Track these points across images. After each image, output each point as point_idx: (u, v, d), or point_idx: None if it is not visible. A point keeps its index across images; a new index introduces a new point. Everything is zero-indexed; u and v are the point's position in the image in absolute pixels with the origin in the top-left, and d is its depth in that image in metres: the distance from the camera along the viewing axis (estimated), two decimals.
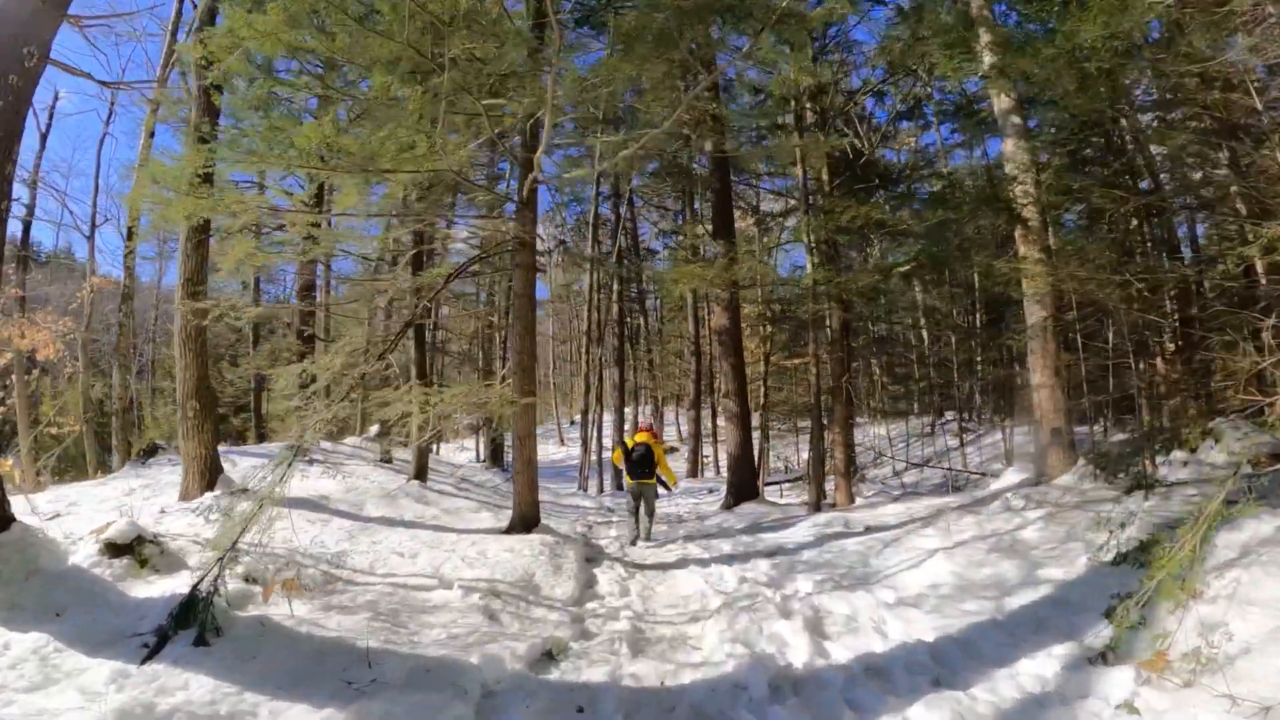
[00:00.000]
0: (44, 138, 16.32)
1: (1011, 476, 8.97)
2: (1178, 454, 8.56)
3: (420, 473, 8.55)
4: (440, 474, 11.83)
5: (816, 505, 9.10)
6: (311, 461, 10.21)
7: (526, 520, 6.33)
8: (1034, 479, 8.32)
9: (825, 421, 12.75)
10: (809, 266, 9.26)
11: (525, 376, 6.34)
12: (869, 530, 7.20)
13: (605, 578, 5.62)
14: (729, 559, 6.43)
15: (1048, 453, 8.26)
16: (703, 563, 6.29)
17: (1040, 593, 5.02)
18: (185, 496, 8.19)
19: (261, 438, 15.22)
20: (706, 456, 20.43)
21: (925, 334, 18.53)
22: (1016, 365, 14.86)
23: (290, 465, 4.68)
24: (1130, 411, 10.99)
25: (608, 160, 6.71)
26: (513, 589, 4.83)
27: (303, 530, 6.39)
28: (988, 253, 8.18)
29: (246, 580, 4.93)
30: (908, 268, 7.67)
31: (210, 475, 8.00)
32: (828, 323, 10.06)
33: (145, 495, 8.65)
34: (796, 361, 13.59)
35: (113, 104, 15.46)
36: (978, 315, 17.17)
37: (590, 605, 4.90)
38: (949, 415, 17.59)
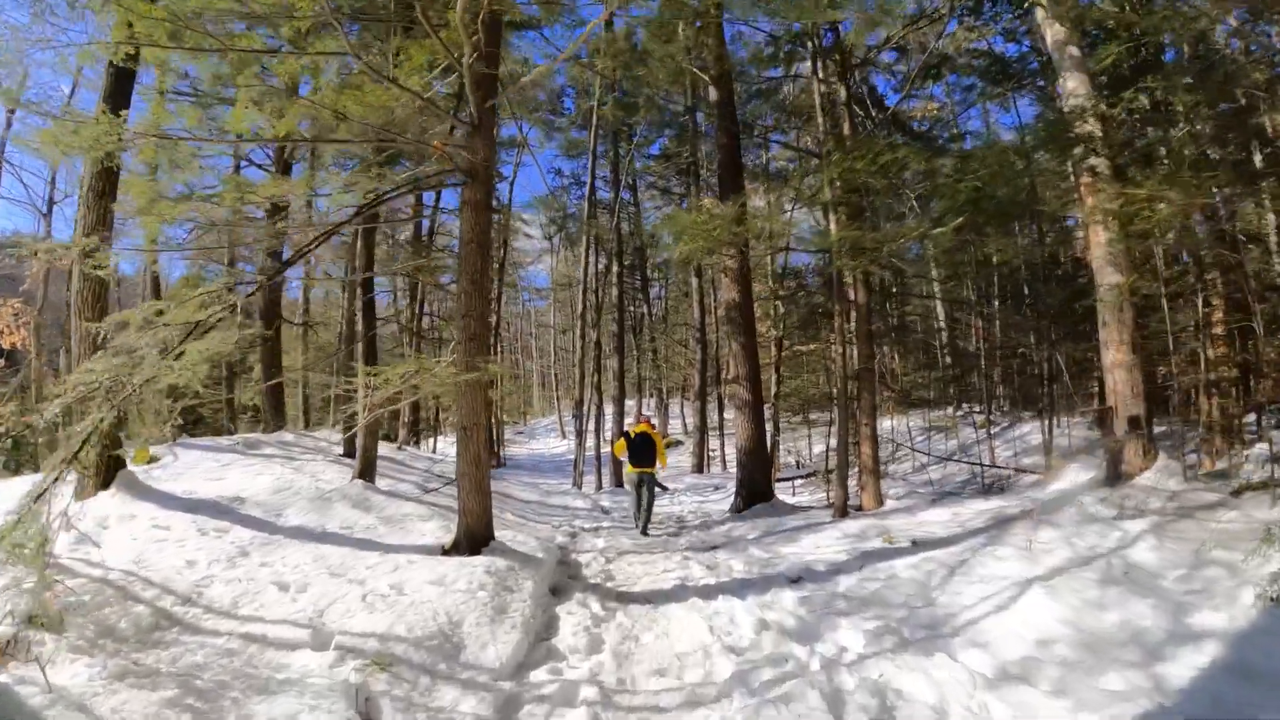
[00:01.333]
0: (10, 114, 14.69)
1: (1076, 474, 7.15)
2: (1259, 447, 7.02)
3: (366, 470, 6.80)
4: (413, 470, 10.13)
5: (843, 509, 7.30)
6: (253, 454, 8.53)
7: (474, 537, 4.57)
8: (1106, 478, 6.58)
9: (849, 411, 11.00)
10: (832, 226, 7.45)
11: (474, 346, 4.59)
12: (918, 546, 5.41)
13: (571, 621, 3.85)
14: (742, 587, 4.66)
15: (1125, 446, 6.50)
16: (707, 592, 4.52)
17: (1205, 654, 3.26)
18: (80, 496, 6.50)
19: (232, 431, 13.40)
20: (713, 450, 18.62)
21: (942, 316, 16.69)
22: (1056, 348, 13.07)
23: (57, 478, 2.95)
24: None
25: (572, 50, 4.93)
26: (418, 651, 3.07)
27: (185, 543, 4.70)
28: (1057, 195, 6.37)
29: (30, 622, 3.23)
30: (960, 219, 5.83)
31: (109, 472, 6.38)
32: (853, 296, 8.25)
33: (55, 493, 7.03)
34: (812, 346, 11.75)
35: (77, 76, 13.72)
36: (995, 299, 15.30)
37: (536, 675, 3.14)
38: (969, 407, 15.80)
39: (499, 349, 22.25)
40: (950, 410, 15.64)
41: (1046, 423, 11.66)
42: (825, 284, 9.75)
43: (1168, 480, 6.11)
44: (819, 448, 18.72)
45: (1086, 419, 12.64)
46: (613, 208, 14.76)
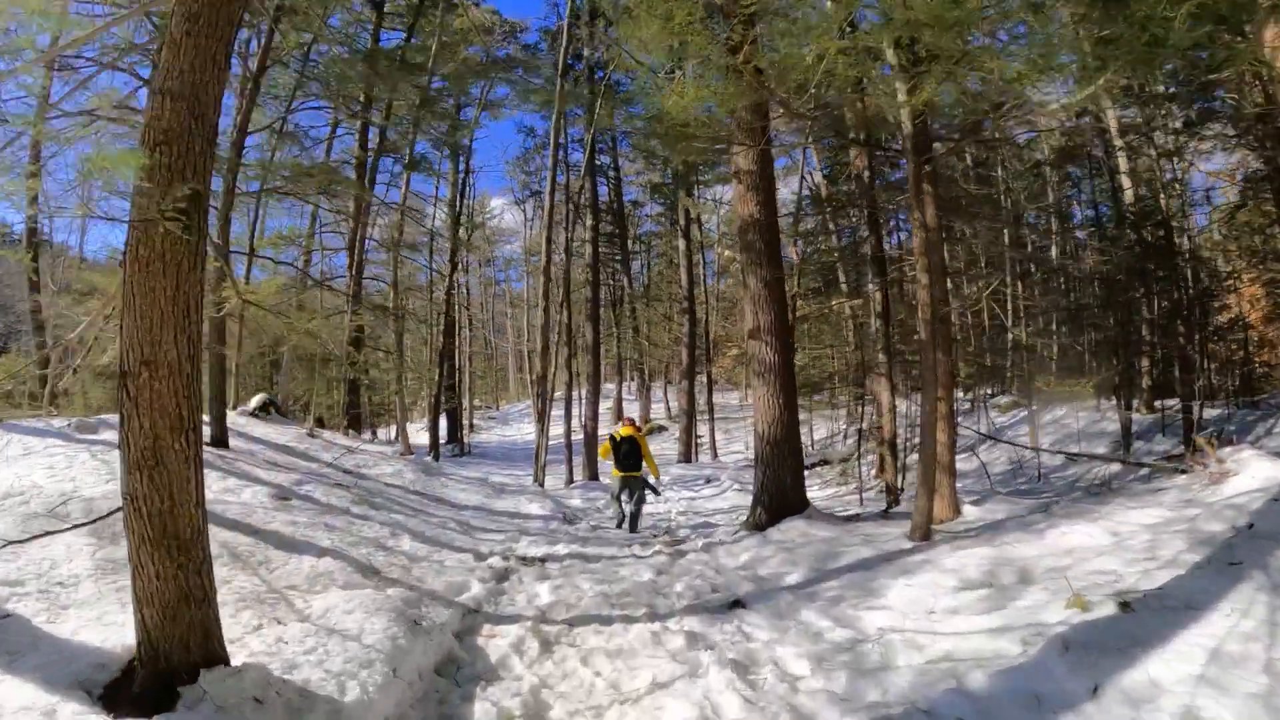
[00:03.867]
0: None
1: (1265, 467, 4.30)
2: None
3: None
4: (308, 462, 7.16)
5: (926, 529, 4.51)
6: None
7: (161, 662, 1.59)
8: None
9: (872, 387, 8.28)
10: (901, 94, 4.60)
11: (171, 159, 1.68)
12: (1135, 609, 2.59)
13: None
14: None
15: None
16: None
17: None
18: None
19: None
20: (701, 437, 15.81)
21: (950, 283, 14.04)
22: (1105, 310, 10.50)
23: None
24: None
25: None
26: None
27: None
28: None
29: None
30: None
31: None
32: (920, 216, 5.43)
33: None
34: (837, 303, 8.88)
35: None
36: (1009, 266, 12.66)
37: None
38: (986, 388, 13.26)
39: (462, 318, 19.04)
40: (972, 393, 13.08)
41: (1122, 401, 9.03)
42: (869, 202, 6.85)
43: None
44: (820, 433, 16.00)
45: (1139, 399, 10.20)
46: (587, 154, 11.78)
